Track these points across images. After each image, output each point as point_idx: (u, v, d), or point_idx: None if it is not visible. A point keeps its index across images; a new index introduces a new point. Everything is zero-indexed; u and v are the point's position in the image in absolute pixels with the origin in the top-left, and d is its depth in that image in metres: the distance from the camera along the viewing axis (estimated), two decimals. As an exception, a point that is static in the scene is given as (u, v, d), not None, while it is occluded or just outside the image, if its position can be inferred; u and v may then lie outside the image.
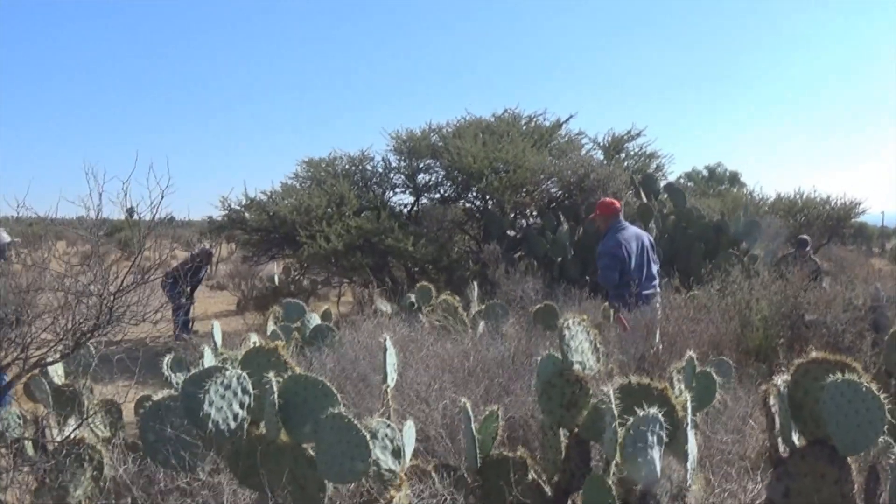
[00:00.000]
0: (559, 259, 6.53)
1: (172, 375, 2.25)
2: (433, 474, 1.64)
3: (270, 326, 3.05)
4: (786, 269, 4.10)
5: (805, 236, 6.66)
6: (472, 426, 1.66)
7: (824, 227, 11.01)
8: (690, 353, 2.11)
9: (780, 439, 1.62)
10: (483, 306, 3.46)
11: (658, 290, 4.14)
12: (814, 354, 1.66)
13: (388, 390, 1.80)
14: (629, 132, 8.95)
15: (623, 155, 8.85)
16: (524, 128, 8.28)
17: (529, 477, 1.69)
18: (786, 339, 3.30)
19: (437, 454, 1.80)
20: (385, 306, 3.80)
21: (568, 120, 8.65)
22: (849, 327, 3.42)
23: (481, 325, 3.23)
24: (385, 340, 1.84)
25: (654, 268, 4.15)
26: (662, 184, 7.63)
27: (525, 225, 7.29)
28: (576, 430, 1.75)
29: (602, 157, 8.46)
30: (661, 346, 2.95)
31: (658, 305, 3.87)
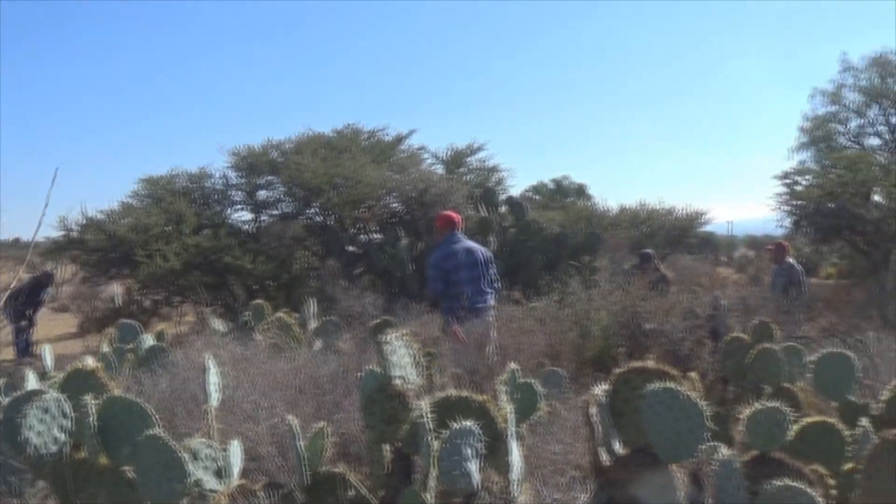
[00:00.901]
0: (399, 274, 7.29)
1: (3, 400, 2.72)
2: (260, 493, 1.87)
3: (104, 348, 3.59)
4: (629, 280, 5.07)
5: (648, 250, 8.21)
6: (299, 443, 1.92)
7: (669, 237, 13.85)
8: (512, 364, 2.46)
9: (601, 448, 1.93)
10: (319, 323, 4.03)
11: (491, 303, 4.76)
12: (634, 364, 2.01)
13: (211, 410, 2.10)
14: (470, 146, 10.42)
15: (464, 169, 10.26)
16: (365, 143, 9.52)
17: (353, 493, 1.93)
18: (626, 348, 4.06)
19: (269, 472, 2.07)
20: (219, 325, 4.42)
21: (409, 135, 10.01)
22: (688, 335, 4.35)
23: (317, 342, 3.71)
24: (207, 360, 2.15)
25: (489, 281, 4.78)
26: (503, 197, 8.94)
27: (366, 240, 8.14)
28: (397, 444, 2.03)
29: (443, 172, 9.69)
30: (496, 359, 3.43)
31: (492, 319, 4.49)
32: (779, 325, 3.75)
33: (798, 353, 3.39)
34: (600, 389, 1.98)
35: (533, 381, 2.49)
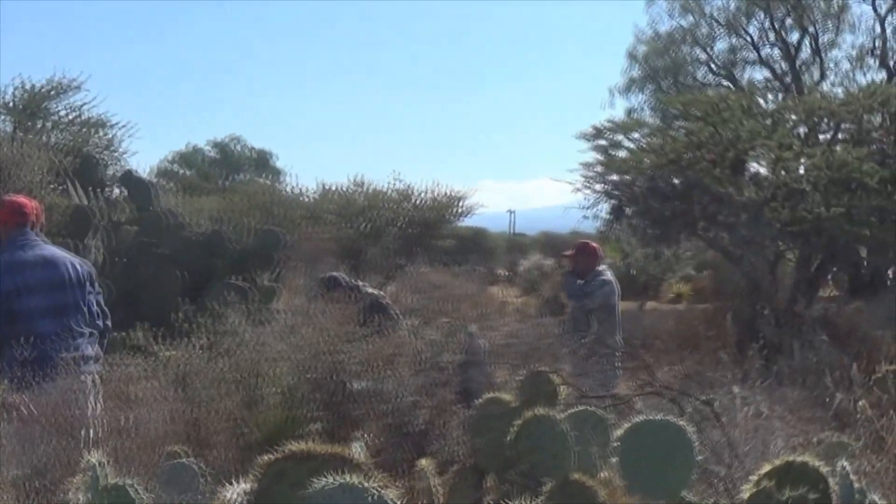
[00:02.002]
0: None
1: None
2: None
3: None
4: (329, 309, 5.65)
5: (335, 275, 9.09)
6: None
7: (405, 236, 15.96)
8: (94, 457, 2.74)
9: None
10: None
11: (91, 352, 5.19)
12: (291, 449, 2.31)
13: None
14: (54, 83, 11.30)
15: (46, 123, 11.14)
16: None
17: None
18: (323, 422, 4.52)
19: None
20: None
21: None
22: (424, 399, 4.97)
23: None
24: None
25: (86, 315, 5.21)
26: (116, 172, 9.77)
27: None
28: None
29: (10, 129, 10.48)
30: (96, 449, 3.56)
31: (91, 379, 4.88)
32: (571, 376, 4.51)
33: (600, 424, 4.11)
34: (239, 489, 2.23)
35: (131, 483, 2.71)
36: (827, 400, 5.90)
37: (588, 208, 15.36)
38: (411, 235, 16.15)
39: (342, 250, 12.22)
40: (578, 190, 15.15)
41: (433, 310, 9.78)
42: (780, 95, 19.33)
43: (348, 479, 2.27)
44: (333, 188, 17.48)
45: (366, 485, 2.28)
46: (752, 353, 6.83)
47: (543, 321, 7.83)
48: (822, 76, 22.33)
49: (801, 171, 13.60)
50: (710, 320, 13.40)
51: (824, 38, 22.19)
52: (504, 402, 4.24)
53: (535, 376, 4.42)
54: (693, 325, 12.89)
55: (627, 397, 5.12)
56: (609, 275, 9.09)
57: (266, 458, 2.43)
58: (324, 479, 2.25)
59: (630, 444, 3.68)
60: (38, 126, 10.77)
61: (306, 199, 17.02)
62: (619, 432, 3.79)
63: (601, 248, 9.60)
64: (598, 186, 14.94)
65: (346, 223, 15.46)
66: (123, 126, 12.29)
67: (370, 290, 8.87)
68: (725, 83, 21.23)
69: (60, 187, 8.68)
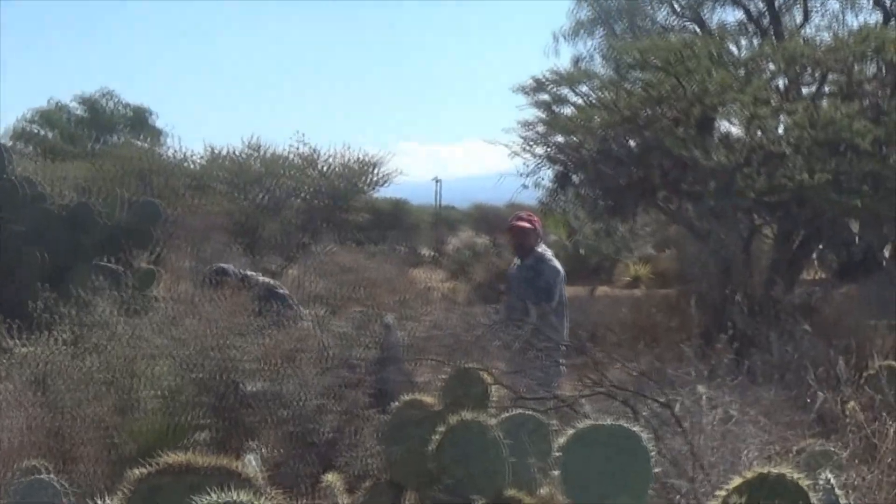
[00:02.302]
0: None
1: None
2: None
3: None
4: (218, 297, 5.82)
5: (224, 266, 9.12)
6: None
7: (309, 209, 16.12)
8: None
9: None
10: None
11: None
12: (167, 461, 2.34)
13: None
14: None
15: None
16: None
17: None
18: (212, 430, 4.66)
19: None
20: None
21: None
22: (331, 403, 4.99)
23: None
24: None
25: None
26: None
27: None
28: None
29: None
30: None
31: None
32: (505, 375, 4.57)
33: (540, 430, 4.18)
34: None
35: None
36: (809, 401, 5.98)
37: (528, 176, 15.37)
38: (317, 208, 16.25)
39: (235, 226, 12.17)
40: (516, 154, 15.20)
41: (343, 297, 9.85)
42: (756, 41, 19.49)
43: (235, 496, 2.26)
44: (224, 152, 17.41)
45: (241, 499, 2.28)
46: (721, 345, 6.90)
47: (474, 310, 7.94)
48: (806, 18, 22.45)
49: (781, 131, 13.75)
50: (671, 308, 13.60)
51: (809, -28, 22.45)
52: (426, 406, 4.31)
53: (462, 375, 4.50)
54: (652, 314, 13.10)
55: (572, 399, 5.19)
56: (548, 254, 9.28)
57: (138, 472, 2.42)
58: (206, 496, 2.25)
59: (575, 455, 3.77)
60: None
61: (192, 166, 16.87)
62: (562, 440, 3.84)
63: (540, 224, 9.67)
64: (539, 150, 15.00)
65: (240, 194, 15.51)
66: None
67: (263, 279, 8.89)
68: (691, 26, 21.37)
69: None
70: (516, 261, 9.40)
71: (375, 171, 17.11)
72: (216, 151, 17.52)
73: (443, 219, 38.24)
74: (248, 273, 9.11)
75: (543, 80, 15.45)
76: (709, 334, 8.64)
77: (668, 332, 10.13)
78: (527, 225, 9.29)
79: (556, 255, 9.88)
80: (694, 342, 6.71)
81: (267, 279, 9.10)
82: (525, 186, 15.61)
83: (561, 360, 6.71)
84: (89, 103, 33.37)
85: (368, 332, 5.68)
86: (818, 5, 23.02)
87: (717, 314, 11.16)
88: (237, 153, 17.32)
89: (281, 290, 8.78)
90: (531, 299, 8.58)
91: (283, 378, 5.00)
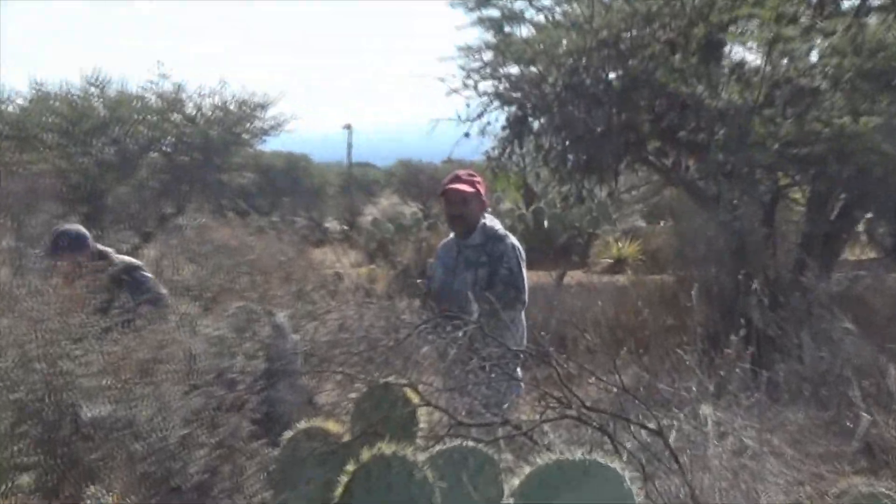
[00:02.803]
0: None
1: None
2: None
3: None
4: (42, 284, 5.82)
5: (71, 229, 9.29)
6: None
7: (173, 163, 16.41)
8: None
9: None
10: None
11: None
12: None
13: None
14: None
15: None
16: None
17: None
18: (44, 468, 4.53)
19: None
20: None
21: None
22: (202, 432, 4.97)
23: None
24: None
25: None
26: None
27: None
28: None
29: None
30: None
31: None
32: (438, 392, 4.59)
33: (487, 467, 4.21)
34: None
35: None
36: (851, 425, 6.04)
37: (471, 121, 15.32)
38: (184, 166, 16.23)
39: (70, 191, 12.05)
40: (455, 92, 15.14)
41: (219, 287, 9.81)
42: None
43: None
44: (56, 90, 17.14)
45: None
46: (733, 350, 6.94)
47: (398, 304, 7.90)
48: None
49: (813, 59, 13.85)
50: (666, 300, 13.76)
51: None
52: (330, 436, 4.33)
53: (380, 393, 4.52)
54: (640, 309, 13.17)
55: (532, 425, 5.22)
56: (498, 228, 9.33)
57: None
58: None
59: (534, 499, 3.80)
60: None
61: (11, 109, 16.82)
62: (516, 481, 3.89)
63: (484, 185, 9.65)
64: (485, 85, 14.98)
65: (77, 147, 15.37)
66: None
67: (121, 257, 8.86)
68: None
69: None
70: (451, 239, 9.36)
71: (261, 116, 17.04)
72: (44, 90, 17.28)
73: (356, 180, 38.20)
74: (106, 249, 9.10)
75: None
76: (716, 335, 8.72)
77: (661, 332, 10.22)
78: (467, 189, 9.28)
79: (511, 230, 9.90)
80: (696, 346, 6.70)
81: (129, 258, 9.04)
82: (467, 135, 15.59)
83: (516, 373, 6.71)
84: None
85: (253, 335, 5.64)
86: None
87: (727, 308, 11.28)
88: (74, 92, 17.15)
89: (145, 273, 8.75)
90: (481, 295, 8.31)
91: (136, 399, 4.93)
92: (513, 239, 9.32)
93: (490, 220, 9.32)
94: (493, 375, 5.96)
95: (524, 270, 9.18)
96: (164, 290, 8.79)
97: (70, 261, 7.81)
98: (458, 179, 9.47)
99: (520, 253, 9.21)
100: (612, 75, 14.17)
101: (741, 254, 13.49)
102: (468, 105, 15.20)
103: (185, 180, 15.70)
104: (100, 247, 9.34)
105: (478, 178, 9.59)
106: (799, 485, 4.72)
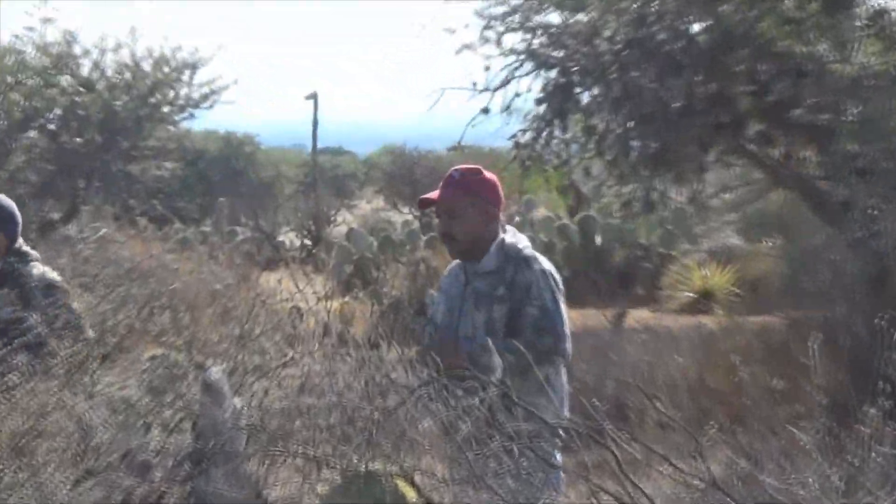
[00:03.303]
0: None
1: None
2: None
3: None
4: None
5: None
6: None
7: (61, 148, 17.16)
8: None
9: None
10: None
11: None
12: None
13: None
14: None
15: None
16: None
17: None
18: None
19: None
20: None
21: None
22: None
23: None
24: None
25: None
26: None
27: None
28: None
29: None
30: None
31: None
32: (444, 483, 4.60)
33: None
34: None
35: None
36: None
37: (491, 92, 15.34)
38: (76, 151, 15.88)
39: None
40: (468, 48, 15.19)
41: (127, 328, 9.83)
42: None
43: None
44: None
45: None
46: (869, 428, 6.92)
47: (384, 356, 7.85)
48: None
49: None
50: (772, 353, 13.72)
51: None
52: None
53: (360, 485, 4.53)
54: (733, 365, 13.17)
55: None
56: (526, 249, 9.12)
57: None
58: None
59: None
60: None
61: None
62: None
63: (498, 181, 9.42)
64: (513, 39, 15.04)
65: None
66: None
67: (39, 270, 8.94)
68: None
69: None
70: (457, 265, 9.30)
71: (189, 80, 17.03)
72: None
73: (324, 174, 38.18)
74: (31, 251, 9.24)
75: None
76: (845, 405, 8.71)
77: (765, 400, 10.20)
78: (457, 195, 9.18)
79: (548, 248, 9.90)
80: (817, 421, 6.70)
81: (49, 272, 9.09)
82: (486, 111, 15.60)
83: (555, 457, 6.72)
84: None
85: (176, 398, 5.65)
86: None
87: (861, 365, 11.26)
88: None
89: (67, 302, 8.79)
90: (506, 344, 8.18)
91: (3, 490, 4.94)
92: (544, 263, 9.08)
93: (512, 236, 9.15)
94: (522, 461, 5.97)
95: (563, 308, 8.96)
96: (90, 333, 8.71)
97: None
98: (449, 181, 9.29)
99: (556, 283, 8.99)
100: (695, 27, 14.19)
101: (882, 286, 13.48)
102: (487, 68, 15.19)
103: (77, 172, 15.75)
104: (24, 245, 9.64)
105: (483, 176, 9.34)
106: None
